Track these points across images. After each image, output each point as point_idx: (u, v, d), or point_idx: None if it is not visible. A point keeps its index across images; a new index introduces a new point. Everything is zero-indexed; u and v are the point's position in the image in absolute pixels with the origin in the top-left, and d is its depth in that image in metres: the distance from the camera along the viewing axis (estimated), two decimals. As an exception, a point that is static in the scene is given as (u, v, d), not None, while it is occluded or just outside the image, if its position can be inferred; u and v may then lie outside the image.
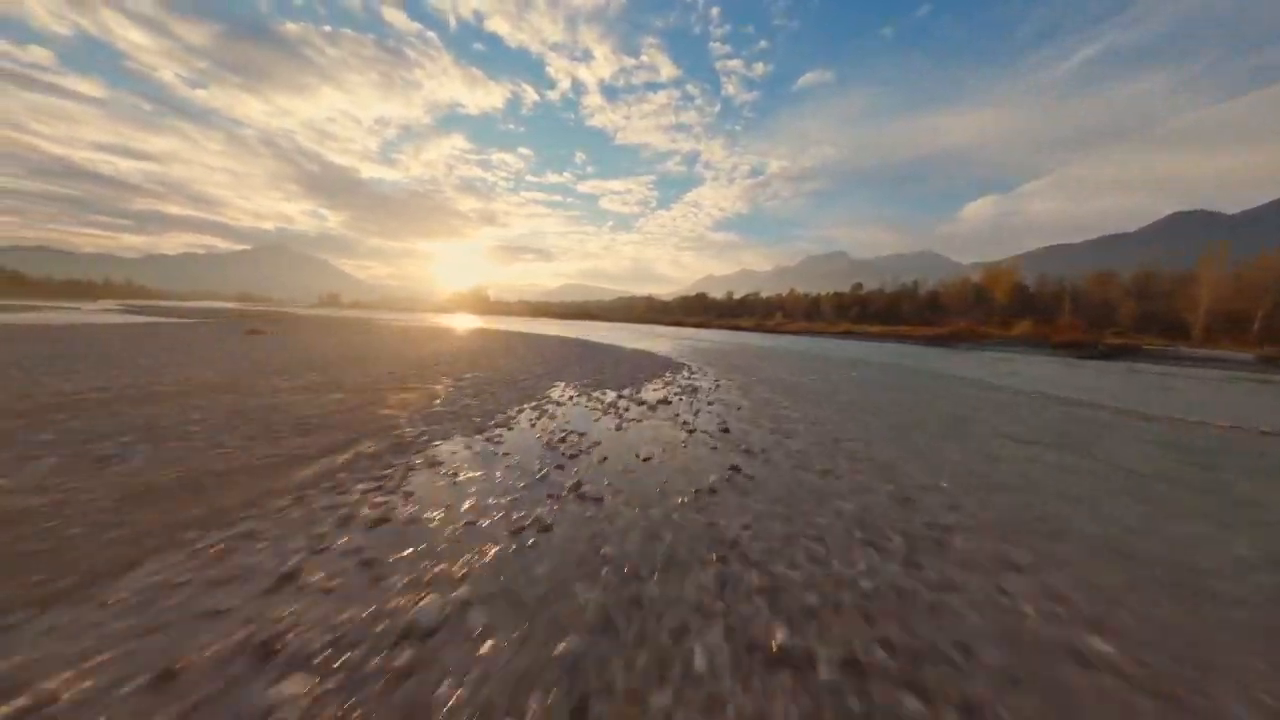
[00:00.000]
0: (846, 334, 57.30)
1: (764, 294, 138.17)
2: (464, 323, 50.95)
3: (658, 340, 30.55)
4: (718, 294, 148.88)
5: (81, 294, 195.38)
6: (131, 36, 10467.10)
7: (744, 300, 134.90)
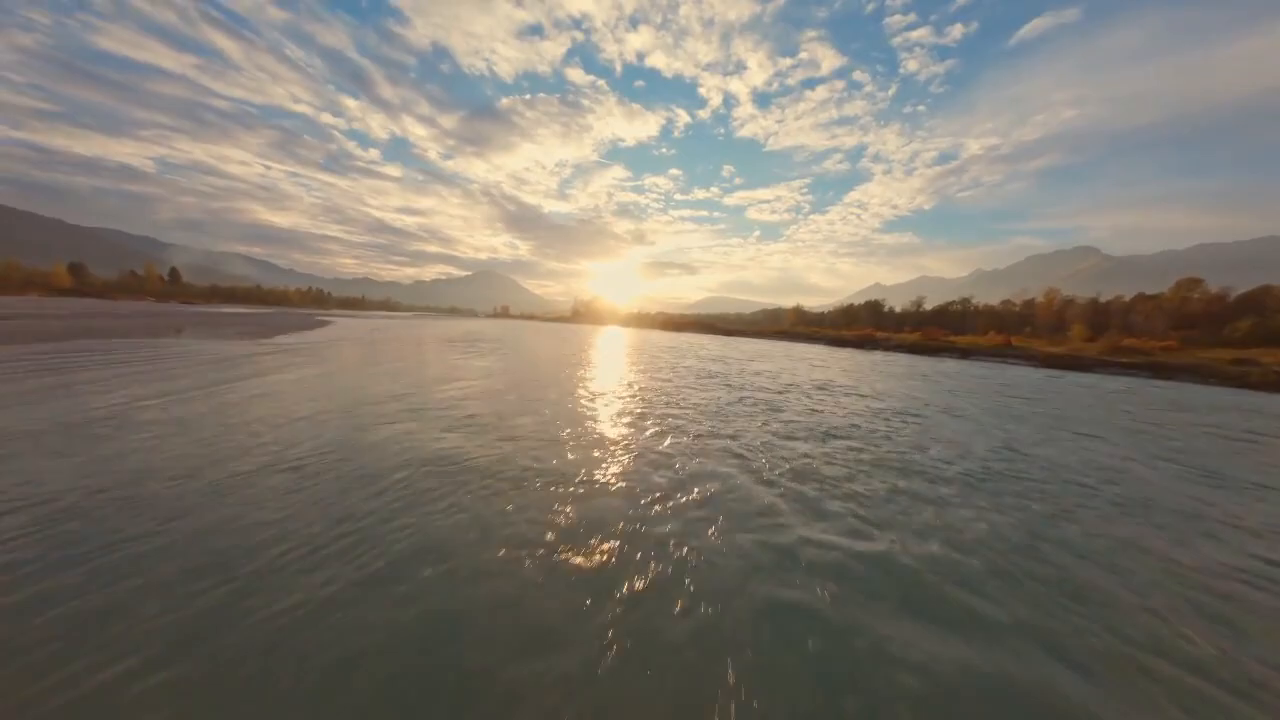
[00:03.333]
0: None
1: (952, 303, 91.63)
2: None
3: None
4: (889, 305, 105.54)
5: (354, 306, 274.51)
6: (416, 131, 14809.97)
7: (946, 309, 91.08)
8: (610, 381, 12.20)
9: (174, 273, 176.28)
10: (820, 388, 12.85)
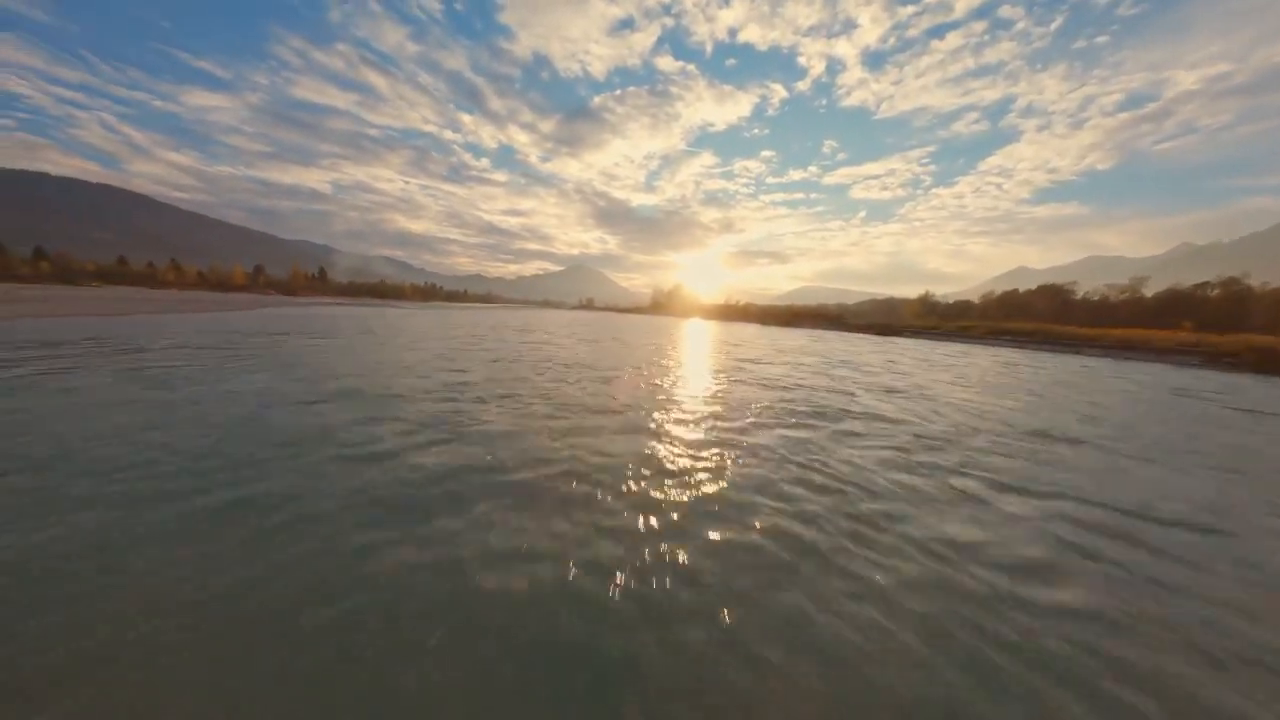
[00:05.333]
0: None
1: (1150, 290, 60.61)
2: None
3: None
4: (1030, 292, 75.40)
5: (456, 299, 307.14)
6: (519, 138, 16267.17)
7: (1189, 294, 62.76)
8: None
9: (321, 271, 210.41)
10: None
